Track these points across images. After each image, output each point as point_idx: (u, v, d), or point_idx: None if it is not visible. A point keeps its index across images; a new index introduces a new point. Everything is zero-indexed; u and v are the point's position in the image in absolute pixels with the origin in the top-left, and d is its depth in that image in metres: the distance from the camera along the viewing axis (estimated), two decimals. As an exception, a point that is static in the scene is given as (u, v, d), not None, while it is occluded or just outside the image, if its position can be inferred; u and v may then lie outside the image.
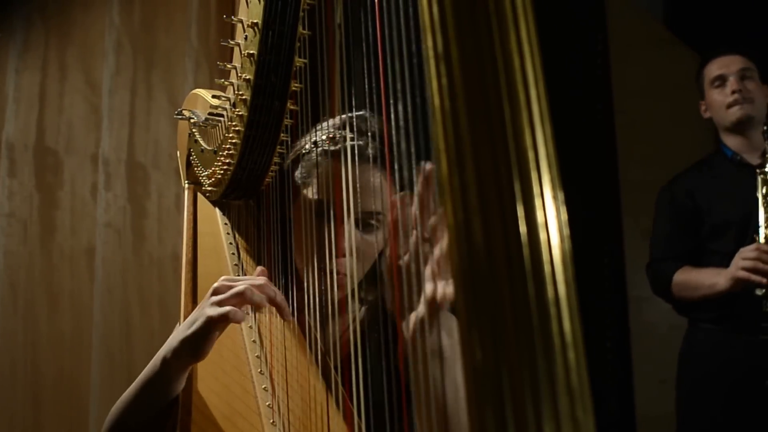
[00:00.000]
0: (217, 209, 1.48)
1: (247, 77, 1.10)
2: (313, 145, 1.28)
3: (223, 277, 1.10)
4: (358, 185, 1.18)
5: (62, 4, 2.73)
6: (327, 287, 1.20)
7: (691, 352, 2.80)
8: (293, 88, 1.10)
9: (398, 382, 0.99)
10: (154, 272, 2.94)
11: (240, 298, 1.06)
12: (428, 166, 0.85)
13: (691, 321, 2.83)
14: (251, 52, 1.07)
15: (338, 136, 1.25)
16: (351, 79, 0.91)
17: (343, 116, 1.26)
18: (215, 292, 1.08)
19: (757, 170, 2.59)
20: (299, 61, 1.08)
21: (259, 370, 1.16)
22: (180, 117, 1.47)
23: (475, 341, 0.41)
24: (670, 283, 2.76)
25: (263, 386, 1.13)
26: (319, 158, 1.26)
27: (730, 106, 2.73)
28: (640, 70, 4.12)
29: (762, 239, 2.52)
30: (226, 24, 3.43)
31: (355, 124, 1.23)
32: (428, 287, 0.91)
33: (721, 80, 2.77)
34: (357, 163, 1.18)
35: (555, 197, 0.44)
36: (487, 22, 0.46)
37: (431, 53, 0.48)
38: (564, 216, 0.44)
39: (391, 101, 0.72)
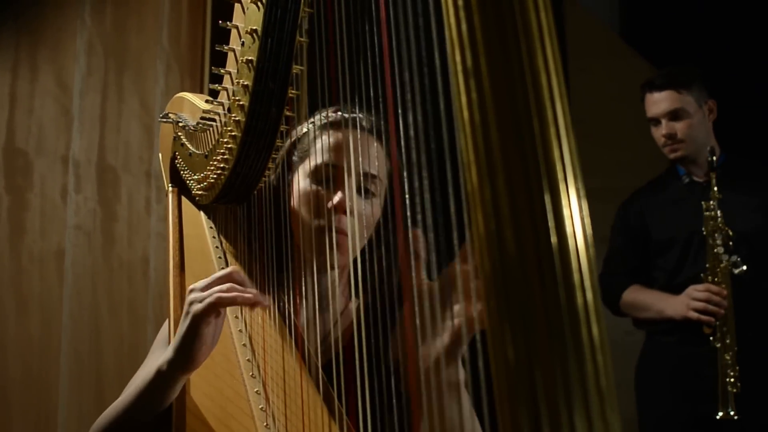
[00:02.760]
0: (201, 213, 1.48)
1: (245, 83, 1.12)
2: (311, 125, 1.35)
3: (192, 285, 1.12)
4: (353, 148, 1.26)
5: (34, 4, 2.70)
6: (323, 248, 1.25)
7: (645, 364, 2.88)
8: (290, 95, 1.12)
9: (394, 383, 1.01)
10: (124, 275, 2.92)
11: (221, 284, 1.09)
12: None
13: (647, 333, 2.91)
14: (250, 58, 1.09)
15: (336, 114, 1.32)
16: (354, 87, 0.93)
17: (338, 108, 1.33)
18: (191, 293, 1.10)
19: (703, 203, 2.64)
20: (296, 68, 1.10)
21: (250, 373, 1.17)
22: (165, 120, 1.47)
23: (508, 345, 0.44)
24: (618, 298, 2.87)
25: (255, 389, 1.14)
26: (318, 131, 1.33)
27: (664, 146, 2.80)
28: (597, 80, 4.22)
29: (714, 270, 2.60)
30: (198, 27, 3.41)
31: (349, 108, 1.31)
32: (457, 313, 0.93)
33: (655, 121, 2.81)
34: (356, 130, 1.29)
35: (581, 208, 0.47)
36: (515, 40, 0.48)
37: (459, 68, 0.50)
38: (589, 227, 0.47)
39: (400, 111, 0.74)
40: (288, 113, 1.14)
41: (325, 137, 1.30)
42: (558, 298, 0.43)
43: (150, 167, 3.03)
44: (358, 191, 1.29)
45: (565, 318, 0.43)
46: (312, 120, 1.35)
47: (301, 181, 1.32)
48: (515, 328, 0.44)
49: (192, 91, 3.23)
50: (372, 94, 0.86)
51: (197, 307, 1.06)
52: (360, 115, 1.30)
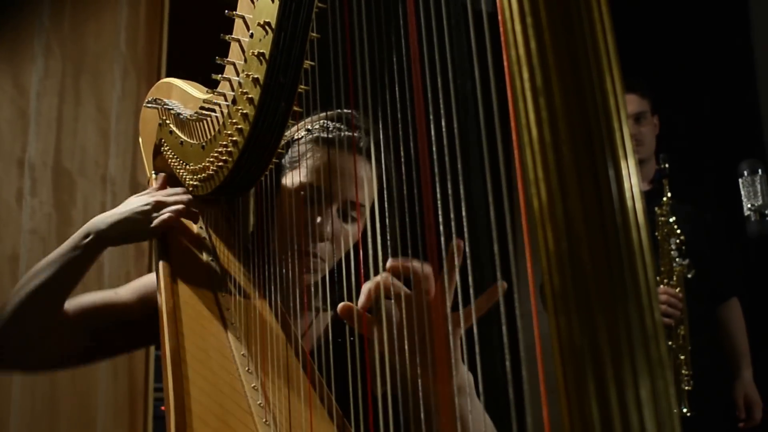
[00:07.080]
0: None
1: (255, 76, 1.10)
2: (306, 132, 1.33)
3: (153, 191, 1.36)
4: (340, 173, 1.27)
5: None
6: (300, 270, 1.26)
7: None
8: (299, 90, 1.11)
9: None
10: (78, 281, 2.86)
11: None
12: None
13: None
14: (261, 51, 1.07)
15: (331, 126, 1.31)
16: (377, 102, 0.92)
17: (336, 111, 1.31)
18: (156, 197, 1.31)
19: (656, 209, 2.71)
20: (307, 64, 1.09)
21: (246, 368, 1.14)
22: (151, 105, 1.41)
23: (587, 363, 0.45)
24: None
25: (252, 385, 1.11)
26: (310, 144, 1.31)
27: None
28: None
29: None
30: (155, 33, 3.36)
31: (348, 118, 1.31)
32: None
33: None
34: (347, 152, 1.28)
35: (646, 226, 0.48)
36: (585, 61, 0.49)
37: (528, 86, 0.51)
38: (648, 241, 0.48)
39: (432, 117, 0.75)
40: (296, 108, 1.13)
41: (315, 153, 1.30)
42: (629, 317, 0.45)
43: (106, 172, 2.98)
44: (341, 215, 1.29)
45: (636, 334, 0.45)
46: (307, 126, 1.33)
47: (286, 196, 1.31)
48: (593, 343, 0.45)
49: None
50: (398, 98, 0.86)
51: (165, 217, 1.26)
52: (349, 132, 1.29)
